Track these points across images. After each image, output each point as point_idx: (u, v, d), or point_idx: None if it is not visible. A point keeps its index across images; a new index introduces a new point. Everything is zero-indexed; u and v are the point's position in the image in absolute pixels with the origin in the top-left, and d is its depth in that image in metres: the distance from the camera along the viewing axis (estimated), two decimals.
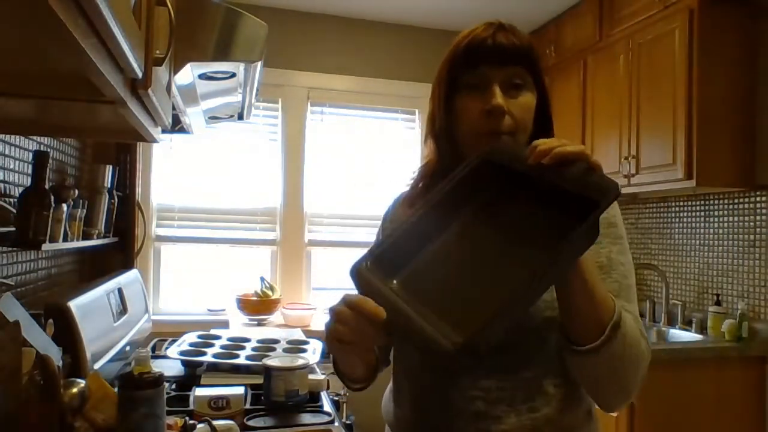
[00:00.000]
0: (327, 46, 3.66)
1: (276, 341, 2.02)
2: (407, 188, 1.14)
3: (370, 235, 3.66)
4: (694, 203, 2.86)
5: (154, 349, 2.06)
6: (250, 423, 1.39)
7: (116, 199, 2.32)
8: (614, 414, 2.28)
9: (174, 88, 1.28)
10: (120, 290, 1.92)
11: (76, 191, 1.75)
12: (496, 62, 0.93)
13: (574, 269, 0.77)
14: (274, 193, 3.59)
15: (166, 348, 1.87)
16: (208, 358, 1.77)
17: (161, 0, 0.89)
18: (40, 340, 1.23)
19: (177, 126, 1.86)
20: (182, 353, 1.79)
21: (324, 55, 3.66)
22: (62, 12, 0.51)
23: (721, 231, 2.70)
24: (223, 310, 3.34)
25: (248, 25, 1.40)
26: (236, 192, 3.53)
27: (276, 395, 1.49)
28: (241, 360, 1.79)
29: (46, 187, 1.49)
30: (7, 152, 1.52)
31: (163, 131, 1.27)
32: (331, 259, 3.73)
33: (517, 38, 0.94)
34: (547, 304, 0.90)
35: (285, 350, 1.92)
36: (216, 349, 1.87)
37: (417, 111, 3.79)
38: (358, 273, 0.82)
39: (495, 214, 0.86)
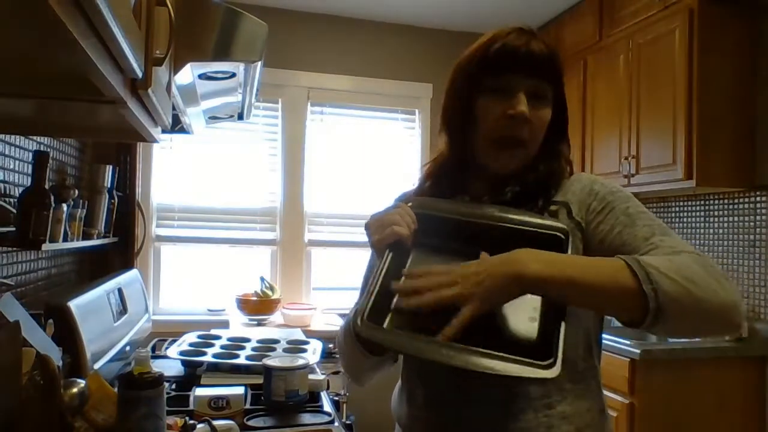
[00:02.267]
0: (327, 46, 3.66)
1: (276, 341, 2.02)
2: (412, 187, 1.16)
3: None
4: (694, 203, 2.86)
5: (154, 349, 2.06)
6: (250, 423, 1.39)
7: (116, 199, 2.32)
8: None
9: (174, 88, 1.28)
10: (120, 290, 1.92)
11: (76, 191, 1.75)
12: (524, 72, 0.93)
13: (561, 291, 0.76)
14: (274, 193, 3.59)
15: (166, 348, 1.87)
16: (208, 358, 1.77)
17: (161, 0, 0.89)
18: (40, 340, 1.23)
19: (177, 126, 1.86)
20: (182, 353, 1.79)
21: (324, 55, 3.66)
22: (62, 12, 0.51)
23: (721, 231, 2.70)
24: (223, 310, 3.34)
25: (248, 25, 1.40)
26: (236, 192, 3.53)
27: (276, 395, 1.48)
28: (241, 360, 1.78)
29: (46, 187, 1.49)
30: (7, 152, 1.52)
31: (163, 131, 1.27)
32: (331, 259, 3.73)
33: (548, 50, 0.95)
34: None
35: (285, 350, 1.92)
36: (216, 349, 1.87)
37: (417, 111, 3.80)
38: (369, 335, 0.80)
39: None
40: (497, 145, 0.94)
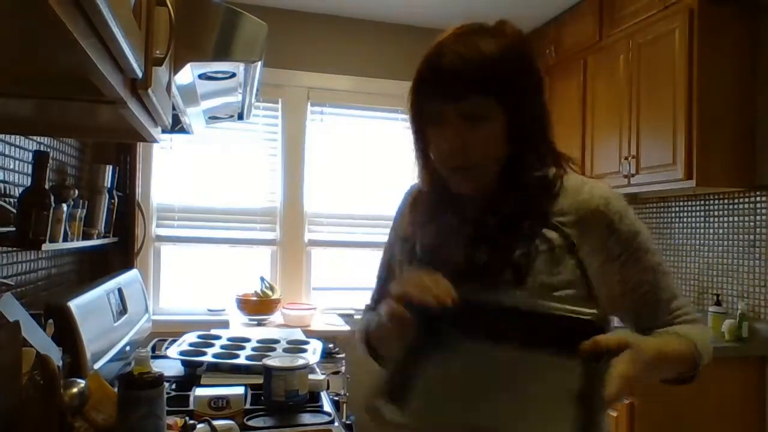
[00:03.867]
0: (327, 46, 3.66)
1: (276, 341, 2.02)
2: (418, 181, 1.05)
3: (370, 235, 3.67)
4: (694, 203, 2.86)
5: (154, 349, 2.06)
6: (250, 423, 1.39)
7: (116, 199, 2.32)
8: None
9: (174, 88, 1.28)
10: (120, 290, 1.92)
11: (76, 191, 1.75)
12: (451, 96, 0.85)
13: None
14: (274, 193, 3.59)
15: (166, 348, 1.87)
16: (208, 358, 1.77)
17: (161, 0, 0.89)
18: (40, 340, 1.23)
19: (177, 126, 1.86)
20: (182, 353, 1.79)
21: (324, 55, 3.66)
22: (62, 12, 0.51)
23: (721, 231, 2.70)
24: (223, 310, 3.34)
25: (248, 25, 1.40)
26: (236, 192, 3.53)
27: (276, 395, 1.48)
28: (241, 360, 1.79)
29: (46, 187, 1.49)
30: (7, 152, 1.52)
31: (163, 131, 1.27)
32: (331, 259, 3.73)
33: (480, 58, 0.85)
34: None
35: (285, 350, 1.92)
36: (216, 349, 1.87)
37: None
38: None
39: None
40: (449, 172, 0.90)
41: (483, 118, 0.86)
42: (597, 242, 0.88)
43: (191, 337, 1.98)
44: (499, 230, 0.89)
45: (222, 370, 1.74)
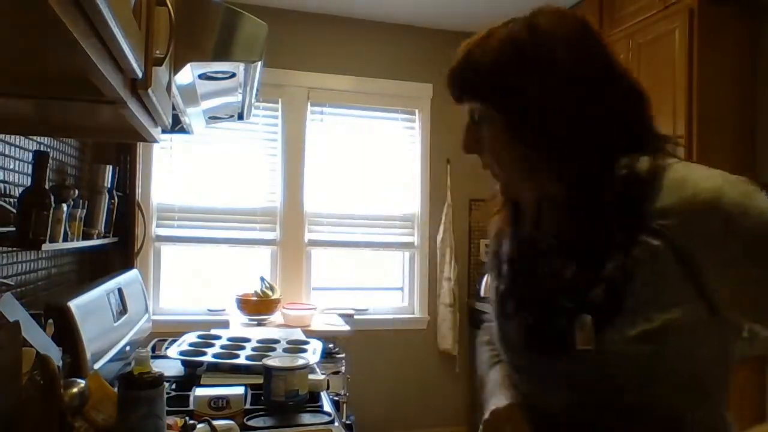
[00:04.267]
0: (327, 46, 3.66)
1: (276, 341, 2.02)
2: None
3: (370, 235, 3.67)
4: None
5: (154, 349, 2.06)
6: (250, 423, 1.39)
7: (116, 199, 2.32)
8: None
9: (174, 88, 1.28)
10: (120, 290, 1.92)
11: (76, 191, 1.75)
12: (456, 99, 0.85)
13: None
14: (274, 193, 3.59)
15: (166, 348, 1.87)
16: (208, 358, 1.77)
17: (161, 0, 0.89)
18: (40, 340, 1.23)
19: (177, 126, 1.86)
20: (182, 353, 1.79)
21: (324, 55, 3.66)
22: (62, 12, 0.51)
23: None
24: (223, 310, 3.34)
25: (248, 25, 1.40)
26: (236, 192, 3.53)
27: (276, 395, 1.48)
28: (241, 360, 1.78)
29: (46, 187, 1.49)
30: (7, 152, 1.52)
31: (163, 131, 1.27)
32: (331, 259, 3.73)
33: (466, 64, 0.82)
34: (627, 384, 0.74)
35: (285, 350, 1.92)
36: (216, 349, 1.87)
37: (417, 111, 3.79)
38: None
39: None
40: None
41: (484, 120, 0.82)
42: (713, 246, 0.70)
43: (191, 337, 1.98)
44: (584, 243, 0.76)
45: (222, 370, 1.74)
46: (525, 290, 0.82)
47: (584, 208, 0.76)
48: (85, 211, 1.86)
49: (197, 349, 1.86)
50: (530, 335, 0.81)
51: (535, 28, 0.79)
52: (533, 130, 0.78)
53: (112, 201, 2.28)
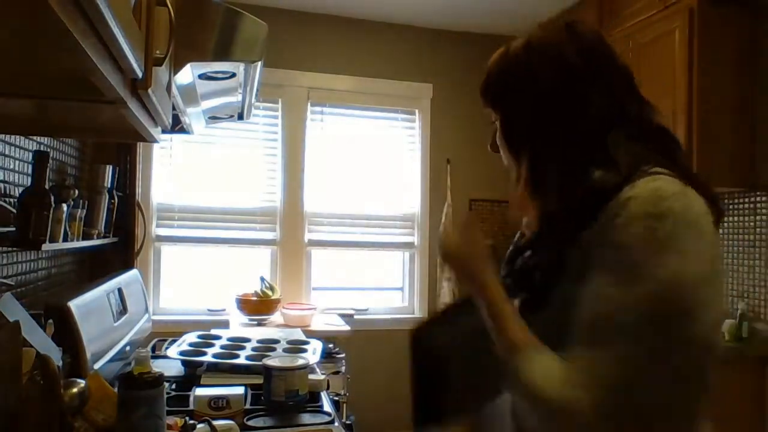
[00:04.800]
0: (327, 46, 3.66)
1: (276, 341, 2.02)
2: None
3: (370, 235, 3.67)
4: None
5: (154, 349, 2.06)
6: (250, 423, 1.39)
7: (116, 199, 2.32)
8: None
9: (174, 88, 1.28)
10: (120, 290, 1.92)
11: (76, 191, 1.75)
12: (483, 103, 0.94)
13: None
14: (274, 193, 3.59)
15: (166, 348, 1.87)
16: (208, 358, 1.77)
17: (161, 0, 0.89)
18: (40, 340, 1.23)
19: (177, 126, 1.86)
20: (182, 353, 1.79)
21: (324, 55, 3.66)
22: (62, 12, 0.51)
23: (721, 231, 2.70)
24: (223, 310, 3.34)
25: (248, 25, 1.40)
26: (236, 192, 3.53)
27: (276, 395, 1.48)
28: (241, 360, 1.78)
29: (46, 187, 1.49)
30: (7, 152, 1.52)
31: (163, 131, 1.27)
32: (331, 259, 3.73)
33: (487, 73, 0.92)
34: None
35: (285, 350, 1.92)
36: (216, 349, 1.87)
37: (417, 111, 3.79)
38: None
39: None
40: None
41: (496, 122, 0.91)
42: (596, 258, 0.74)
43: (191, 337, 1.98)
44: (545, 240, 0.84)
45: (222, 370, 1.74)
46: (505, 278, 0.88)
47: (551, 211, 0.83)
48: (85, 211, 1.86)
49: (197, 349, 1.86)
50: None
51: (529, 45, 0.87)
52: (515, 137, 0.88)
53: (112, 201, 2.28)
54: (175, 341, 1.95)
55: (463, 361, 0.95)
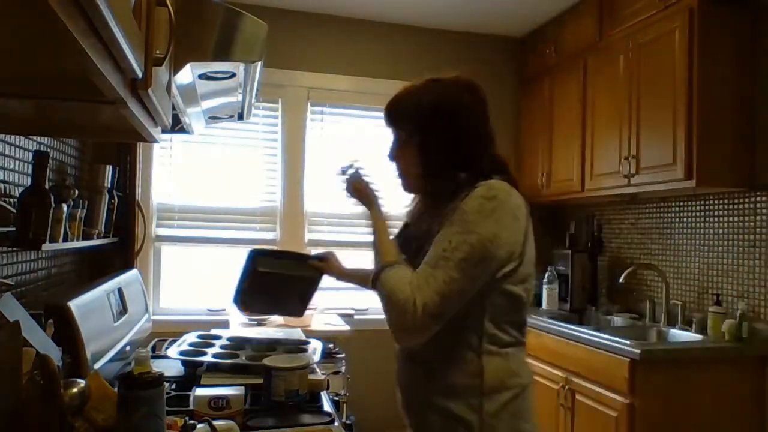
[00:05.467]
0: (327, 46, 3.66)
1: (276, 341, 2.02)
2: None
3: (370, 234, 3.66)
4: (694, 203, 2.86)
5: (154, 349, 2.06)
6: (250, 423, 1.39)
7: (116, 199, 2.32)
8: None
9: (174, 88, 1.28)
10: (120, 290, 1.92)
11: (76, 191, 1.75)
12: (387, 125, 1.42)
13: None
14: (274, 193, 3.59)
15: (166, 348, 1.87)
16: (208, 358, 1.77)
17: (161, 0, 0.89)
18: (40, 340, 1.23)
19: (177, 126, 1.86)
20: (182, 353, 1.79)
21: (324, 55, 3.66)
22: (62, 12, 0.51)
23: (721, 231, 2.70)
24: (223, 310, 3.34)
25: (248, 25, 1.40)
26: (236, 192, 3.53)
27: (276, 395, 1.48)
28: (241, 360, 1.79)
29: (46, 187, 1.49)
30: (7, 152, 1.52)
31: (163, 131, 1.27)
32: None
33: (392, 106, 1.39)
34: None
35: (285, 350, 1.92)
36: (216, 349, 1.87)
37: None
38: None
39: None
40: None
41: (398, 141, 1.38)
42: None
43: (191, 337, 1.98)
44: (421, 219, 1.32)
45: (222, 370, 1.74)
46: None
47: (429, 198, 1.33)
48: (85, 211, 1.86)
49: (197, 349, 1.86)
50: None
51: (431, 91, 1.31)
52: (420, 153, 1.30)
53: (112, 201, 2.28)
54: (175, 341, 1.95)
55: (270, 283, 1.72)
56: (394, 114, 1.35)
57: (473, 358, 1.18)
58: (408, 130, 1.31)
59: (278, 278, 1.68)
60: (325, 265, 1.70)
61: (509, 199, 1.17)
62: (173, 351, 1.80)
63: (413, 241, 1.24)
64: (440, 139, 1.25)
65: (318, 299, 3.63)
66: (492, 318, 1.18)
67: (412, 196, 1.44)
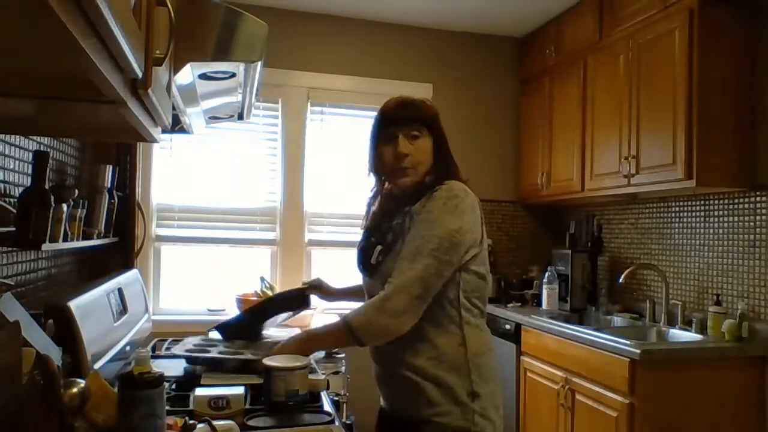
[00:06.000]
0: (327, 46, 3.67)
1: (276, 341, 2.02)
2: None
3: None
4: (694, 203, 2.86)
5: (154, 349, 2.06)
6: (250, 423, 1.38)
7: (116, 199, 2.32)
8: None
9: (174, 88, 1.28)
10: (120, 290, 1.92)
11: (76, 191, 1.75)
12: (400, 122, 1.47)
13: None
14: (274, 193, 3.59)
15: (167, 348, 1.87)
16: (212, 354, 1.78)
17: (161, 0, 0.89)
18: (40, 340, 1.23)
19: (177, 126, 1.86)
20: (185, 351, 1.80)
21: (324, 55, 3.66)
22: (62, 12, 0.51)
23: (721, 231, 2.70)
24: (223, 310, 3.34)
25: (248, 25, 1.40)
26: (236, 192, 3.53)
27: (276, 395, 1.48)
28: (242, 360, 1.78)
29: (46, 187, 1.49)
30: (7, 152, 1.52)
31: (163, 131, 1.27)
32: (331, 259, 3.73)
33: (414, 104, 1.49)
34: None
35: None
36: (220, 349, 1.87)
37: None
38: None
39: None
40: (395, 174, 1.51)
41: (418, 136, 1.48)
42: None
43: (194, 339, 1.98)
44: (393, 213, 1.51)
45: (222, 370, 1.74)
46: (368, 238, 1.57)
47: (398, 197, 1.54)
48: (85, 211, 1.86)
49: (200, 347, 1.86)
50: (362, 260, 1.58)
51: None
52: (440, 145, 1.52)
53: (112, 201, 2.28)
54: (175, 341, 1.95)
55: (248, 323, 2.04)
56: (417, 108, 1.49)
57: (455, 330, 1.42)
58: (427, 127, 1.48)
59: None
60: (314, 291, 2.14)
61: (467, 197, 1.42)
62: (179, 349, 1.81)
63: (389, 233, 1.46)
64: (444, 140, 1.52)
65: (318, 300, 3.62)
66: (465, 294, 1.42)
67: (367, 200, 1.71)
